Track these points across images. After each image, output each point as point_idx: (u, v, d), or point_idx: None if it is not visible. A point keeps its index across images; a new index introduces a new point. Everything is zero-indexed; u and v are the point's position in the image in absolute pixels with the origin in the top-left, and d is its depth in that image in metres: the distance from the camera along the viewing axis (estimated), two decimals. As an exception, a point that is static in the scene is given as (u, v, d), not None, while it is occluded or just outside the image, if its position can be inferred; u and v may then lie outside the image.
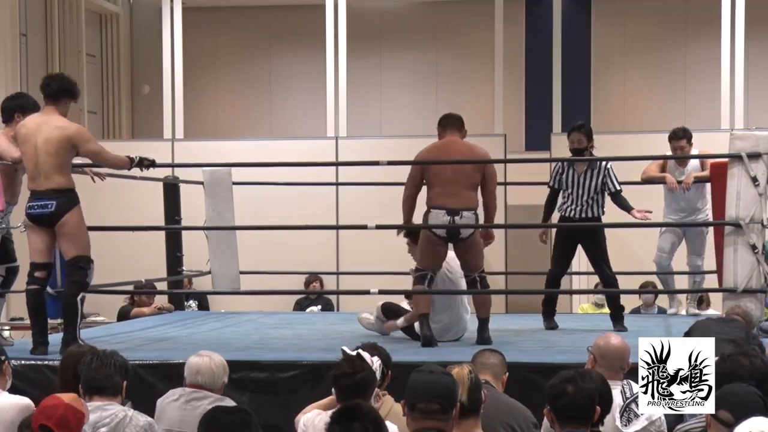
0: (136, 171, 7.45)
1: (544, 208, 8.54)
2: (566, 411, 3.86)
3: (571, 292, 12.56)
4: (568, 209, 8.33)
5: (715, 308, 9.92)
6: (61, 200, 6.58)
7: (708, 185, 8.70)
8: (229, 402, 5.11)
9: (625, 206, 8.27)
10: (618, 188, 8.28)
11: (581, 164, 8.19)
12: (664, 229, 9.31)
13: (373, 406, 3.71)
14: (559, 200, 8.42)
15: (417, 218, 7.66)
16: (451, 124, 7.49)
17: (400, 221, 10.42)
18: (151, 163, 7.19)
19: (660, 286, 10.06)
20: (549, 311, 8.49)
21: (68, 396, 4.13)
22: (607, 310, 11.21)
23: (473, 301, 7.68)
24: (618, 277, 10.20)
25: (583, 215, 8.26)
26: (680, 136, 8.88)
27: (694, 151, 9.02)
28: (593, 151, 8.38)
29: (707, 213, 8.91)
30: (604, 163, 8.19)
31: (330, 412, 4.42)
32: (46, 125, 6.62)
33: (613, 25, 15.95)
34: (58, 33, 14.80)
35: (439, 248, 7.37)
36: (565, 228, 8.37)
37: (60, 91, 6.73)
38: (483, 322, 7.38)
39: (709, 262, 8.96)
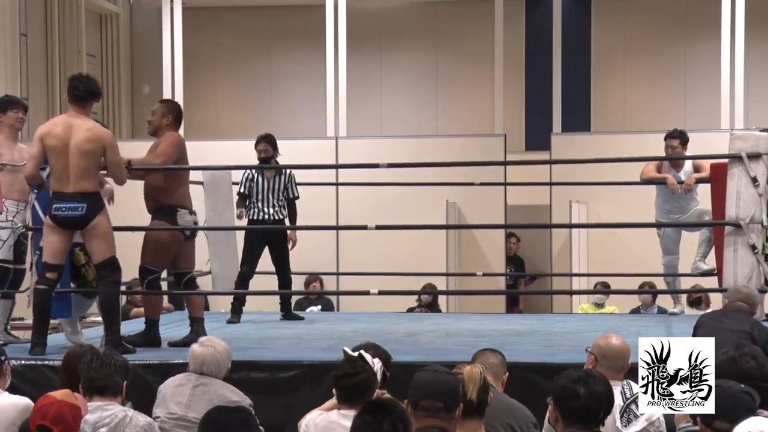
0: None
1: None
2: (576, 412, 3.83)
3: (571, 293, 12.55)
4: (258, 212, 8.95)
5: (715, 308, 9.91)
6: (91, 203, 6.60)
7: (700, 186, 8.76)
8: (235, 391, 5.23)
9: (293, 214, 9.06)
10: (297, 195, 9.06)
11: (270, 171, 8.83)
12: (662, 232, 9.28)
13: (404, 407, 3.70)
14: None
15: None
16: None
17: (400, 221, 10.44)
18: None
19: (662, 287, 10.06)
20: (237, 307, 9.02)
21: (60, 392, 4.14)
22: (606, 310, 11.25)
23: (187, 301, 7.74)
24: (618, 277, 10.21)
25: (275, 218, 8.94)
26: (674, 137, 8.93)
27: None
28: (278, 159, 9.01)
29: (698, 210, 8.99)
30: (289, 171, 8.93)
31: (334, 411, 4.43)
32: (77, 128, 6.59)
33: (613, 25, 15.95)
34: (58, 33, 14.81)
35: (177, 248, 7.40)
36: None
37: (87, 93, 6.71)
38: (196, 323, 7.40)
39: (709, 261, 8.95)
